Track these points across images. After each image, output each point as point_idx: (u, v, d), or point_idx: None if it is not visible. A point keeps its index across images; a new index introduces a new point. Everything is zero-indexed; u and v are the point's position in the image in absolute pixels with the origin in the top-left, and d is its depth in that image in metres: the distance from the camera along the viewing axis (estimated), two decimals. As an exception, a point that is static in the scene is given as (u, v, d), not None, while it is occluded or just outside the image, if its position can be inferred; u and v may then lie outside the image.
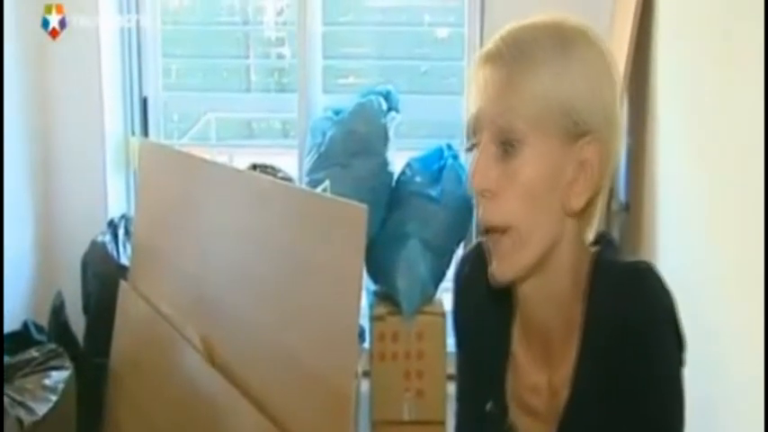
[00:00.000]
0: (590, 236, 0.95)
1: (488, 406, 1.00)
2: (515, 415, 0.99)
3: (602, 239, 0.95)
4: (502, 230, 0.87)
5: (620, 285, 0.87)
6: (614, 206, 2.45)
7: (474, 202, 0.90)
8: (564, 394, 0.92)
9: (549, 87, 0.84)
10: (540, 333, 0.95)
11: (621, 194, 2.48)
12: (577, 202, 0.88)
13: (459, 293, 1.07)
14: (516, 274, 0.89)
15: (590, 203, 0.90)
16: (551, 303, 0.92)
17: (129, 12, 2.85)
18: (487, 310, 1.00)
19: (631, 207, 2.40)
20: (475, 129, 0.88)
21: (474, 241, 1.03)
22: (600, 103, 0.87)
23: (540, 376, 0.96)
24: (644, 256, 2.22)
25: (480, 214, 0.88)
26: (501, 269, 0.89)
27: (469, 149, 0.90)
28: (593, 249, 0.94)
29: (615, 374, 0.87)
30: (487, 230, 0.89)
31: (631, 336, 0.85)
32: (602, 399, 0.88)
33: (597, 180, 0.88)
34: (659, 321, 0.86)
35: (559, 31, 0.87)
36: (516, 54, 0.85)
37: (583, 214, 0.90)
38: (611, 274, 0.89)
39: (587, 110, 0.85)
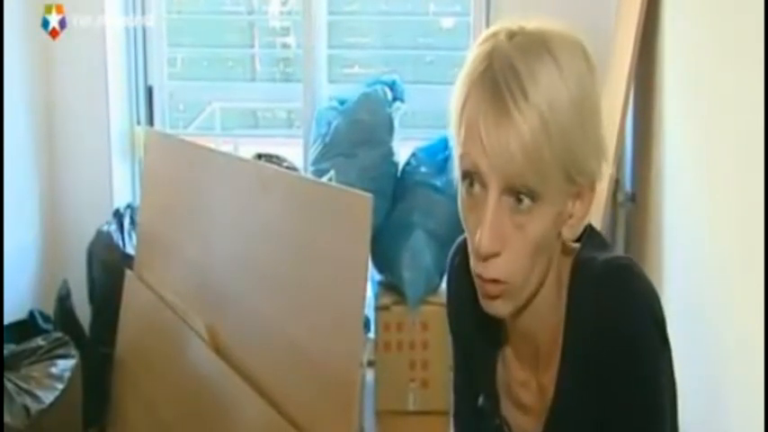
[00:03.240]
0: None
1: (480, 400, 1.00)
2: (508, 408, 0.99)
3: (586, 234, 0.93)
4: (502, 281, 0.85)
5: (600, 284, 0.87)
6: (620, 197, 2.44)
7: (470, 245, 0.85)
8: (551, 392, 0.92)
9: (560, 152, 0.80)
10: (528, 340, 0.95)
11: (628, 185, 2.47)
12: (573, 233, 0.88)
13: (452, 285, 1.07)
14: (511, 312, 0.89)
15: None
16: (536, 316, 0.92)
17: (134, 12, 2.84)
18: (478, 304, 1.00)
19: (638, 198, 2.40)
20: (476, 169, 0.83)
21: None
22: (603, 151, 0.85)
23: (528, 373, 0.96)
24: (650, 246, 2.22)
25: (483, 270, 0.85)
26: (495, 309, 0.88)
27: (465, 177, 0.84)
28: (575, 246, 0.93)
29: (597, 374, 0.86)
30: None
31: (610, 335, 0.85)
32: (586, 398, 0.88)
33: (590, 206, 0.88)
34: (637, 315, 0.85)
35: (549, 48, 0.81)
36: (511, 83, 0.79)
37: None
38: (589, 272, 0.88)
39: (590, 166, 0.84)
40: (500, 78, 0.80)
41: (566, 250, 0.92)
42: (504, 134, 0.79)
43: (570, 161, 0.82)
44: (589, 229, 0.94)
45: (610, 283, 0.86)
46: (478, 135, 0.81)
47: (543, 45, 0.81)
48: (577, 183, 0.84)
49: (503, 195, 0.82)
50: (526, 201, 0.81)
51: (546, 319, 0.91)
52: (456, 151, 0.86)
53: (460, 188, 0.86)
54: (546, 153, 0.79)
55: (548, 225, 0.84)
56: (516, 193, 0.82)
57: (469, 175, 0.84)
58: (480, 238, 0.82)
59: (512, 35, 0.83)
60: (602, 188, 2.24)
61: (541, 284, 0.89)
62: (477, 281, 0.88)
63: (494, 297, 0.87)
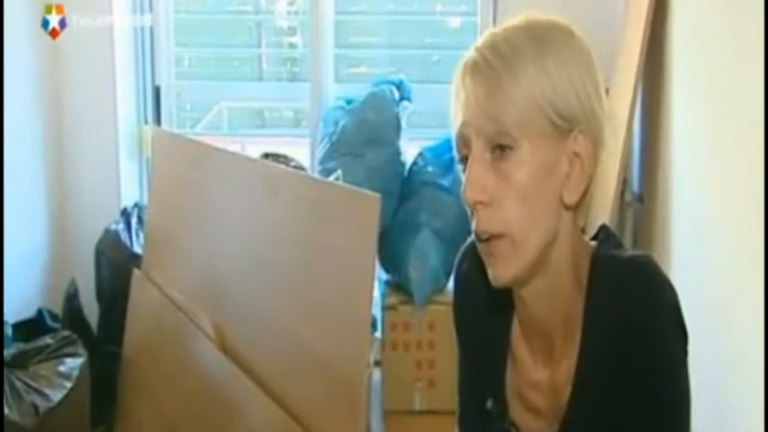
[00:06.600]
0: (583, 225, 0.94)
1: (488, 404, 1.00)
2: (518, 411, 0.98)
3: (602, 233, 0.94)
4: (499, 236, 0.86)
5: (621, 280, 0.86)
6: (628, 197, 2.44)
7: (468, 211, 0.88)
8: (566, 391, 0.91)
9: (529, 91, 0.83)
10: (541, 329, 0.94)
11: (635, 185, 2.47)
12: (573, 195, 0.87)
13: (459, 289, 1.06)
14: (516, 276, 0.88)
15: (583, 195, 0.89)
16: (551, 299, 0.91)
17: (142, 12, 2.85)
18: (486, 307, 0.99)
19: (645, 198, 2.39)
20: (464, 141, 0.87)
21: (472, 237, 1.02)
22: (581, 96, 0.86)
23: (541, 373, 0.95)
24: (657, 246, 2.21)
25: (476, 224, 0.87)
26: (500, 272, 0.88)
27: (461, 161, 0.89)
28: (593, 244, 0.93)
29: (618, 370, 0.86)
30: (484, 239, 0.87)
31: (634, 331, 0.84)
32: (605, 395, 0.88)
33: (590, 171, 0.88)
34: (661, 315, 0.85)
35: (534, 31, 0.86)
36: (495, 63, 0.84)
37: (577, 207, 0.90)
38: (610, 268, 0.88)
39: (568, 106, 0.85)
40: (478, 56, 0.87)
41: (584, 246, 0.92)
42: (474, 84, 0.85)
43: (543, 98, 0.84)
44: (605, 228, 0.95)
45: (632, 280, 0.86)
46: (458, 100, 0.88)
47: (527, 30, 0.87)
48: (563, 129, 0.85)
49: (485, 152, 0.85)
50: (506, 145, 0.84)
51: (562, 307, 0.91)
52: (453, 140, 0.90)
53: (460, 175, 0.89)
54: (511, 89, 0.83)
55: (535, 173, 0.85)
56: (496, 144, 0.85)
57: (460, 151, 0.88)
58: (464, 190, 0.85)
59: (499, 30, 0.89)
60: (610, 188, 2.23)
61: (549, 246, 0.88)
62: (480, 250, 0.90)
63: (497, 259, 0.87)
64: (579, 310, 0.90)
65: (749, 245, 1.52)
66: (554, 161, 0.86)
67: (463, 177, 0.87)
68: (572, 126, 0.85)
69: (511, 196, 0.85)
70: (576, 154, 0.86)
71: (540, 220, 0.86)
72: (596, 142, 0.87)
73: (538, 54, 0.84)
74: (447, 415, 2.55)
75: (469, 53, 0.88)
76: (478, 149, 0.85)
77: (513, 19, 0.89)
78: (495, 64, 0.84)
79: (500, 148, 0.84)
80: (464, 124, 0.87)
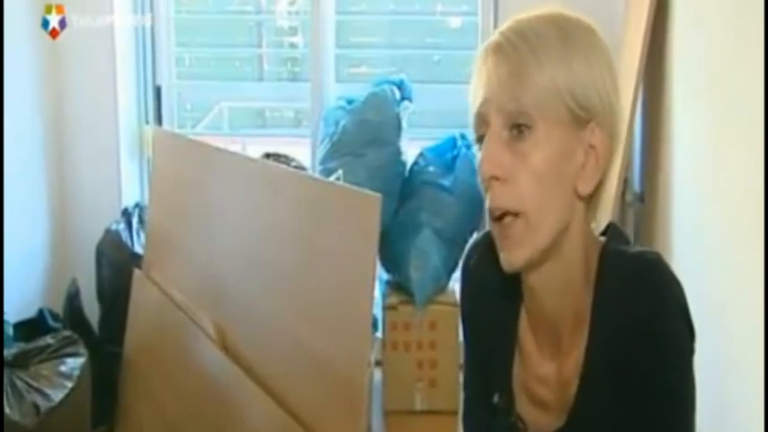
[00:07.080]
0: (597, 224, 0.95)
1: (495, 398, 1.00)
2: (524, 406, 0.99)
3: (610, 230, 0.96)
4: (513, 214, 0.87)
5: (629, 276, 0.87)
6: (629, 197, 2.44)
7: (483, 190, 0.89)
8: (573, 385, 0.91)
9: (551, 76, 0.85)
10: (549, 323, 0.94)
11: (636, 185, 2.47)
12: (588, 186, 0.88)
13: (467, 283, 1.07)
14: (529, 259, 0.89)
15: (597, 189, 0.91)
16: (559, 292, 0.92)
17: (143, 12, 2.86)
18: (494, 300, 1.00)
19: (646, 198, 2.39)
20: (482, 119, 0.88)
21: (482, 231, 1.02)
22: (600, 90, 0.88)
23: (548, 367, 0.96)
24: (658, 246, 2.21)
25: (491, 200, 0.88)
26: (514, 254, 0.89)
27: (478, 140, 0.90)
28: (602, 239, 0.94)
29: (625, 365, 0.86)
30: (498, 217, 0.88)
31: (642, 327, 0.85)
32: (611, 390, 0.88)
33: (605, 165, 0.89)
34: (669, 311, 0.86)
35: (559, 23, 0.88)
36: (520, 46, 0.86)
37: (590, 200, 0.91)
38: (619, 264, 0.89)
39: (588, 96, 0.86)
40: (503, 38, 0.88)
41: (594, 241, 0.93)
42: (497, 63, 0.87)
43: (564, 86, 0.85)
44: (613, 225, 0.96)
45: (640, 276, 0.87)
46: (479, 80, 0.89)
47: (553, 21, 0.88)
48: (580, 119, 0.86)
49: (503, 130, 0.87)
50: (524, 124, 0.85)
51: (572, 300, 0.91)
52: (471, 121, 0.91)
53: (476, 155, 0.90)
54: (534, 73, 0.85)
55: (550, 158, 0.86)
56: (514, 123, 0.86)
57: (478, 130, 0.89)
58: (482, 163, 0.87)
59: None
60: (611, 188, 2.23)
61: (561, 236, 0.88)
62: (494, 233, 0.90)
63: (511, 241, 0.88)
64: (587, 304, 0.90)
65: (749, 245, 1.53)
66: (569, 149, 0.87)
67: (479, 155, 0.88)
68: (590, 117, 0.87)
69: (526, 173, 0.86)
70: (591, 146, 0.88)
71: (554, 206, 0.87)
72: (612, 137, 0.89)
73: (563, 47, 0.86)
74: (448, 415, 2.57)
75: (493, 37, 0.89)
76: (497, 127, 0.87)
77: (538, 10, 0.90)
78: (520, 46, 0.86)
79: (517, 129, 0.86)
80: (484, 102, 0.88)
